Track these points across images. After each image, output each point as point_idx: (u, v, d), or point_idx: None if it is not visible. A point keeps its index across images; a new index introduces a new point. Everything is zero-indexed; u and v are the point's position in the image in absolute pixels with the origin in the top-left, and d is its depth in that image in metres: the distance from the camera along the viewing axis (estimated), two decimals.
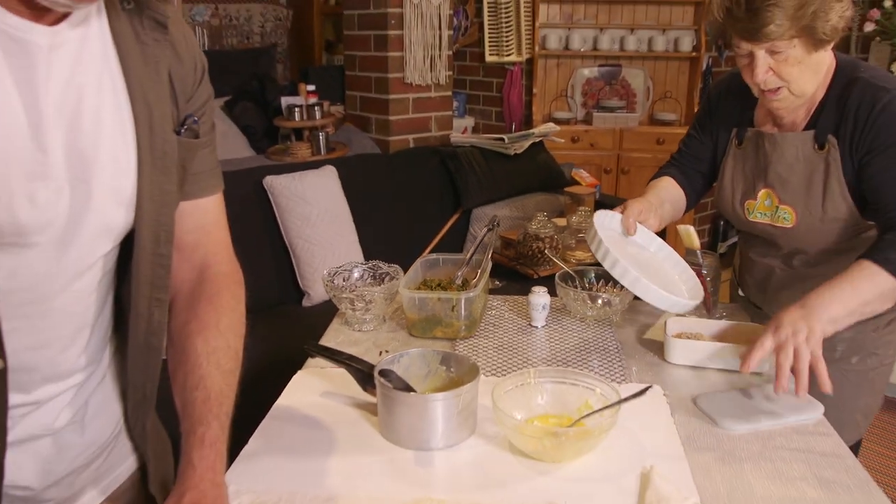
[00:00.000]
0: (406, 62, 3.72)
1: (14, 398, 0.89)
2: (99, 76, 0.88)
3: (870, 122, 1.53)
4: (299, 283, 3.04)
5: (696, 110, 4.81)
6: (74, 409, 1.00)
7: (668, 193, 1.87)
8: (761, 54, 1.53)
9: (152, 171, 0.95)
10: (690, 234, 1.81)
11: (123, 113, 0.91)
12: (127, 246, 0.98)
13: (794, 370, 1.32)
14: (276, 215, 3.03)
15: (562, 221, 3.35)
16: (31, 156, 0.82)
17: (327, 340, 1.68)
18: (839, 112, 1.58)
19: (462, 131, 4.76)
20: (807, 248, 1.76)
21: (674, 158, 1.96)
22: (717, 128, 1.84)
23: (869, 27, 3.35)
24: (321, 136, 3.59)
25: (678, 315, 1.72)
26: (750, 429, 1.31)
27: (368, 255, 3.08)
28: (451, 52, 3.91)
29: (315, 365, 1.53)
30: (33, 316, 0.89)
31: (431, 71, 3.80)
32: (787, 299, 1.85)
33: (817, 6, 1.45)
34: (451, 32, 3.93)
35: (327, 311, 1.87)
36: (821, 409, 1.37)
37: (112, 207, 0.91)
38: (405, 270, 1.80)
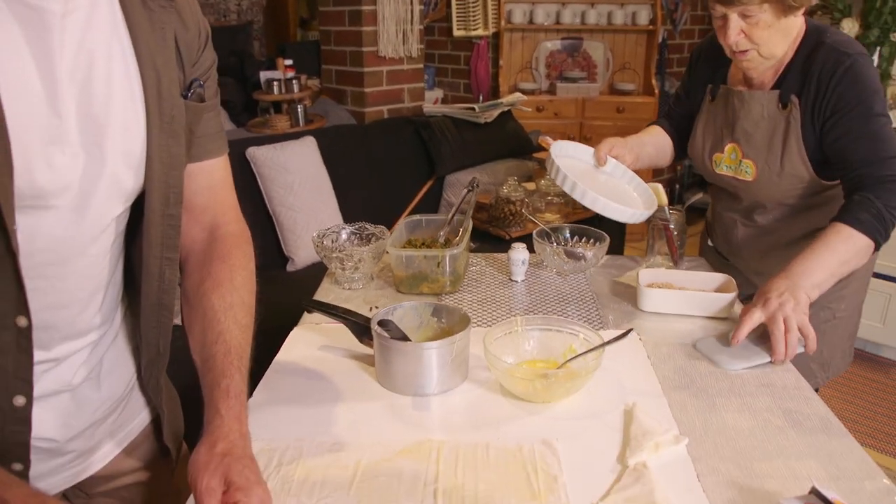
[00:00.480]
0: (379, 36, 3.68)
1: (36, 355, 0.89)
2: (108, 42, 0.87)
3: (831, 86, 1.55)
4: (283, 249, 3.02)
5: (652, 80, 4.84)
6: (91, 366, 1.00)
7: (652, 138, 1.92)
8: (734, 17, 1.55)
9: (160, 135, 0.93)
10: (659, 192, 1.82)
11: (132, 78, 0.90)
12: (137, 207, 0.97)
13: (786, 338, 1.33)
14: (260, 185, 3.00)
15: (531, 185, 3.36)
16: (48, 121, 0.81)
17: (318, 299, 1.67)
18: (803, 74, 1.60)
19: (433, 101, 4.73)
20: (765, 203, 1.78)
21: (666, 111, 2.00)
22: (695, 85, 1.86)
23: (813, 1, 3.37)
24: (299, 109, 3.55)
25: (647, 268, 1.74)
26: (746, 366, 1.34)
27: (349, 221, 3.06)
28: (422, 27, 3.87)
29: (310, 321, 1.52)
30: (52, 277, 0.88)
31: (404, 44, 3.76)
32: (749, 252, 1.88)
33: None
34: (422, 7, 3.89)
35: (312, 275, 1.87)
36: (801, 344, 1.39)
37: (123, 170, 0.90)
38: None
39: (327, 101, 3.85)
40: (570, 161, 1.74)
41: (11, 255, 0.80)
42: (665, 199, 1.82)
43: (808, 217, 1.72)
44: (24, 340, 0.86)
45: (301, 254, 2.97)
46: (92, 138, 0.86)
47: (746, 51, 1.59)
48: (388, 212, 3.27)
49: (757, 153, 1.70)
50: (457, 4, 4.88)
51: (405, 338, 1.25)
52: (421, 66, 3.94)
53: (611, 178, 1.79)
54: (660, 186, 1.82)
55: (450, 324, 1.33)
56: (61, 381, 0.96)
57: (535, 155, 3.64)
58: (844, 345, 1.86)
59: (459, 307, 1.39)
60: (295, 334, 1.48)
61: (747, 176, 1.74)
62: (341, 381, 1.29)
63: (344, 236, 1.80)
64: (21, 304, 0.84)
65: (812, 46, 1.60)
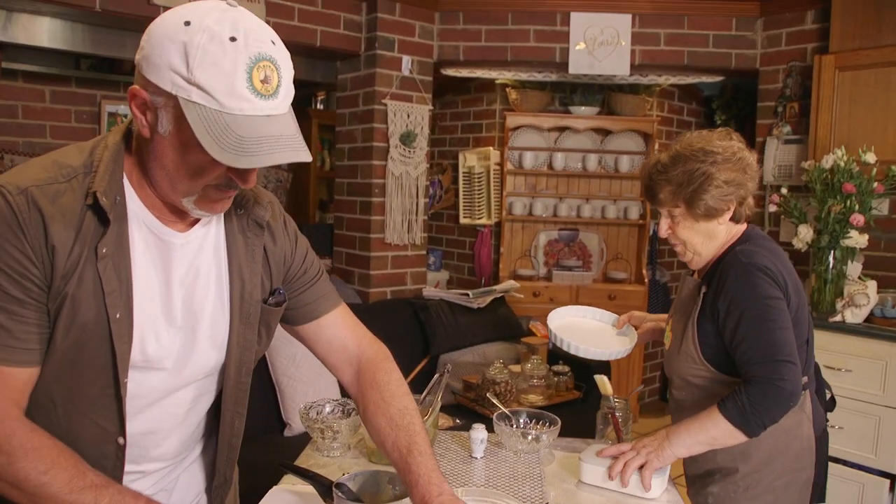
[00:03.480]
0: (386, 225, 4.10)
1: (127, 466, 1.24)
2: (209, 261, 1.26)
3: (725, 286, 1.78)
4: (282, 415, 3.26)
5: (643, 270, 5.18)
6: (167, 482, 1.34)
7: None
8: (664, 214, 1.90)
9: (240, 325, 1.31)
10: (604, 383, 2.09)
11: (223, 285, 1.28)
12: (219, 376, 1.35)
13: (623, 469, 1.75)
14: (266, 354, 3.29)
15: (517, 368, 3.62)
16: (160, 311, 1.20)
17: (300, 463, 1.91)
18: (713, 270, 1.87)
19: (435, 284, 5.08)
20: (672, 374, 2.03)
21: None
22: None
23: (772, 208, 3.77)
24: None
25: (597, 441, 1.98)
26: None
27: (346, 394, 3.31)
28: (426, 217, 4.30)
29: (288, 482, 1.76)
30: (146, 413, 1.24)
31: (408, 233, 4.17)
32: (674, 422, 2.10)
33: (695, 187, 1.78)
34: (427, 200, 4.33)
35: (306, 440, 2.11)
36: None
37: (209, 348, 1.28)
38: None
39: (336, 280, 4.21)
40: (570, 320, 2.28)
41: (119, 398, 1.16)
42: (610, 390, 2.09)
43: (694, 392, 1.94)
44: (120, 454, 1.21)
45: (297, 420, 3.21)
46: (189, 325, 1.24)
47: (677, 244, 1.92)
48: None
49: (674, 328, 2.00)
50: (464, 195, 5.37)
51: (359, 500, 1.48)
52: (424, 252, 4.33)
53: (595, 322, 2.30)
54: (605, 378, 2.09)
55: (402, 491, 1.56)
56: (140, 489, 1.24)
57: (524, 339, 3.92)
58: None
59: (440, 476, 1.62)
60: (272, 493, 1.71)
61: (665, 345, 2.05)
62: None
63: (328, 409, 2.06)
64: (121, 429, 1.19)
65: (731, 249, 1.86)
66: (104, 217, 1.10)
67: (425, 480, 1.26)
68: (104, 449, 1.20)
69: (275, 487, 1.74)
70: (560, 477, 1.90)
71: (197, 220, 1.24)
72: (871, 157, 3.42)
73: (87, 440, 1.18)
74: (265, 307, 1.35)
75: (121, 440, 1.20)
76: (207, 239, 1.27)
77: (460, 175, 5.42)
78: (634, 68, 4.43)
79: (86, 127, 4.39)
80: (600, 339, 2.21)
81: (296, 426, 3.22)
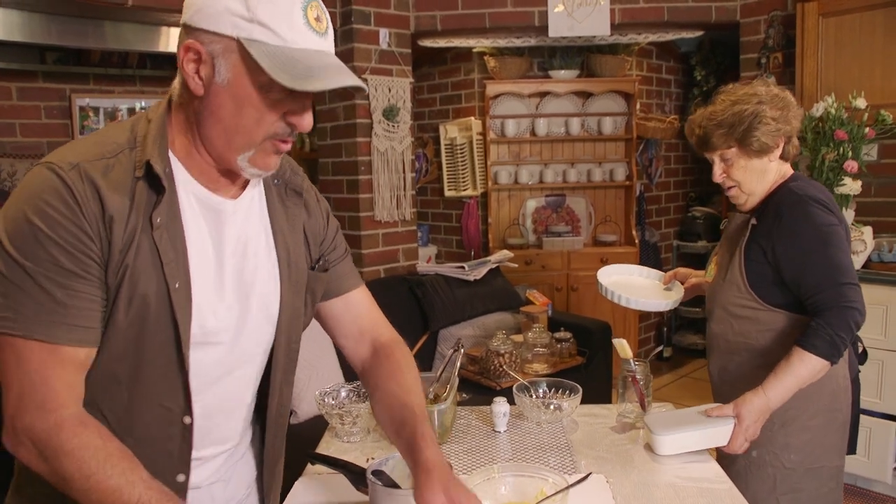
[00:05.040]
0: (375, 202, 4.03)
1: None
2: (257, 228, 1.25)
3: (779, 218, 1.86)
4: None
5: (632, 231, 5.16)
6: (224, 470, 1.30)
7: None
8: (716, 160, 1.96)
9: (288, 294, 1.28)
10: (624, 346, 2.06)
11: (272, 253, 1.26)
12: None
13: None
14: None
15: (519, 338, 3.58)
16: (215, 284, 1.18)
17: (321, 450, 1.86)
18: (765, 204, 1.93)
19: (427, 260, 5.03)
20: (713, 306, 2.07)
21: None
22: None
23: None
24: None
25: (619, 414, 1.95)
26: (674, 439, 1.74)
27: (348, 375, 3.26)
28: (414, 192, 4.23)
29: (313, 472, 1.71)
30: (208, 392, 1.21)
31: (398, 209, 4.10)
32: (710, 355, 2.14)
33: (746, 126, 1.88)
34: (414, 174, 4.26)
35: (313, 426, 2.06)
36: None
37: (263, 320, 1.26)
38: None
39: None
40: (617, 278, 2.39)
41: (184, 372, 1.14)
42: (630, 353, 2.05)
43: (744, 335, 1.98)
44: (187, 434, 1.18)
45: (304, 407, 3.15)
46: (242, 295, 1.22)
47: (731, 187, 1.97)
48: None
49: (720, 261, 2.04)
50: (447, 168, 5.30)
51: (395, 485, 1.44)
52: (414, 227, 4.26)
53: (645, 280, 2.43)
54: (623, 341, 2.06)
55: None
56: (201, 478, 1.25)
57: (523, 308, 3.88)
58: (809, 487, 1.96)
59: (446, 458, 1.58)
60: (299, 484, 1.66)
61: (709, 277, 2.08)
62: None
63: (343, 394, 2.01)
64: (187, 408, 1.17)
65: (783, 185, 1.94)
66: (157, 186, 1.10)
67: (434, 459, 1.23)
68: (170, 430, 1.17)
69: (301, 479, 1.69)
70: (587, 444, 1.87)
71: (245, 186, 1.23)
72: (861, 103, 3.40)
73: (153, 423, 1.15)
74: (312, 273, 1.35)
75: (187, 419, 1.17)
76: (253, 207, 1.25)
77: (442, 147, 5.35)
78: (614, 28, 4.37)
79: (57, 122, 4.25)
80: (648, 293, 2.32)
81: (301, 413, 3.16)
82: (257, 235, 1.25)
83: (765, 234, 1.90)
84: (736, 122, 1.90)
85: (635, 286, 2.35)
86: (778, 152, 1.93)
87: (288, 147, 1.16)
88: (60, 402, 1.04)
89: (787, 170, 1.98)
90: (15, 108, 4.30)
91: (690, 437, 1.75)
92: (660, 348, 2.29)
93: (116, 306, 1.08)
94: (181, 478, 1.19)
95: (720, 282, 2.03)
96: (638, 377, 2.02)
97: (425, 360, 3.70)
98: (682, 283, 2.32)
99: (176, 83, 1.15)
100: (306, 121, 1.13)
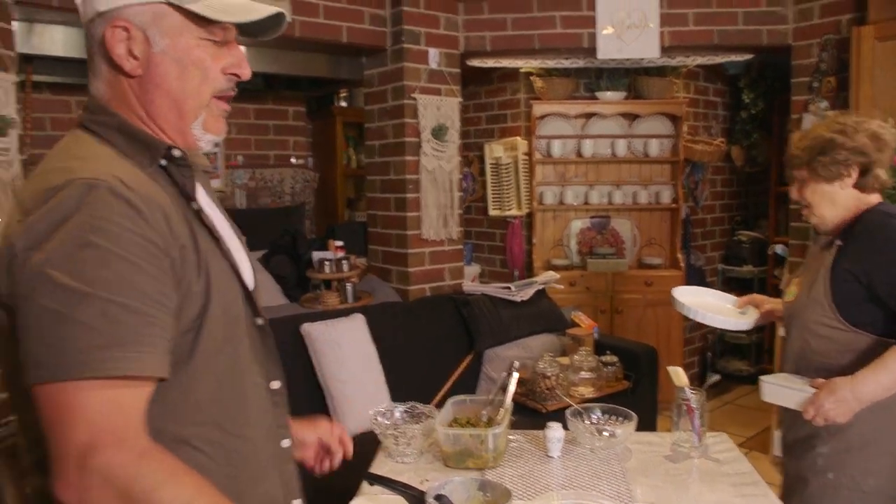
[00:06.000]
0: (422, 221, 4.04)
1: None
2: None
3: (869, 238, 1.87)
4: (332, 419, 3.21)
5: (677, 254, 5.12)
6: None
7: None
8: (795, 178, 2.02)
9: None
10: (679, 374, 2.04)
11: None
12: None
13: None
14: (312, 358, 3.25)
15: (565, 360, 3.56)
16: (237, 245, 1.22)
17: (374, 470, 1.87)
18: (851, 226, 1.93)
19: (471, 279, 5.03)
20: (791, 325, 2.07)
21: None
22: None
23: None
24: (349, 287, 3.85)
25: (673, 444, 1.93)
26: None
27: (394, 392, 3.28)
28: (461, 211, 4.24)
29: (369, 492, 1.72)
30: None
31: (445, 227, 4.11)
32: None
33: (817, 151, 1.94)
34: (462, 193, 4.28)
35: (360, 444, 2.05)
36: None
37: (263, 294, 1.32)
38: (426, 404, 2.03)
39: (374, 279, 4.17)
40: (692, 298, 2.40)
41: (261, 339, 1.18)
42: (685, 381, 2.03)
43: (825, 353, 1.95)
44: (277, 398, 1.20)
45: (349, 424, 3.16)
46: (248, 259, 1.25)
47: (805, 207, 2.01)
48: (430, 384, 3.48)
49: (803, 280, 2.04)
50: (492, 187, 5.31)
51: None
52: (460, 246, 4.27)
53: (717, 301, 2.46)
54: (679, 369, 2.04)
55: (494, 497, 1.52)
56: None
57: (569, 331, 3.86)
58: None
59: (502, 482, 1.58)
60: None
61: (791, 297, 2.07)
62: None
63: (397, 414, 2.02)
64: (270, 373, 1.19)
65: (870, 209, 1.95)
66: (178, 175, 1.11)
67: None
68: (265, 403, 1.18)
69: (357, 498, 1.69)
70: (642, 472, 1.85)
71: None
72: None
73: (256, 405, 1.16)
74: None
75: (274, 384, 1.20)
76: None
77: (487, 167, 5.36)
78: (663, 50, 4.35)
79: None
80: (723, 314, 2.36)
81: (347, 429, 3.17)
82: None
83: (853, 253, 1.89)
84: (811, 145, 1.96)
85: (709, 306, 2.37)
86: (850, 181, 1.93)
87: (228, 107, 1.16)
88: (139, 433, 0.95)
89: (869, 200, 1.97)
90: (73, 121, 4.41)
91: (788, 394, 1.92)
92: (715, 378, 2.28)
93: (210, 299, 1.05)
94: (286, 443, 1.21)
95: (803, 300, 2.02)
96: (693, 406, 2.00)
97: (469, 381, 3.69)
98: (756, 308, 2.34)
99: (97, 87, 1.10)
100: (246, 67, 1.14)
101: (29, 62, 3.59)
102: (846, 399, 1.77)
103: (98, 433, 0.91)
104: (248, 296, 1.15)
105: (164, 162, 1.10)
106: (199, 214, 1.10)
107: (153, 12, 1.05)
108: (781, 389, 1.95)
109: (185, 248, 1.02)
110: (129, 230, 0.94)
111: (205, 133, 1.13)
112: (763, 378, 2.00)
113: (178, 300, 1.00)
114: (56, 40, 3.43)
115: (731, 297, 2.46)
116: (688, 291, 2.48)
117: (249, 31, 1.14)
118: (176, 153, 1.10)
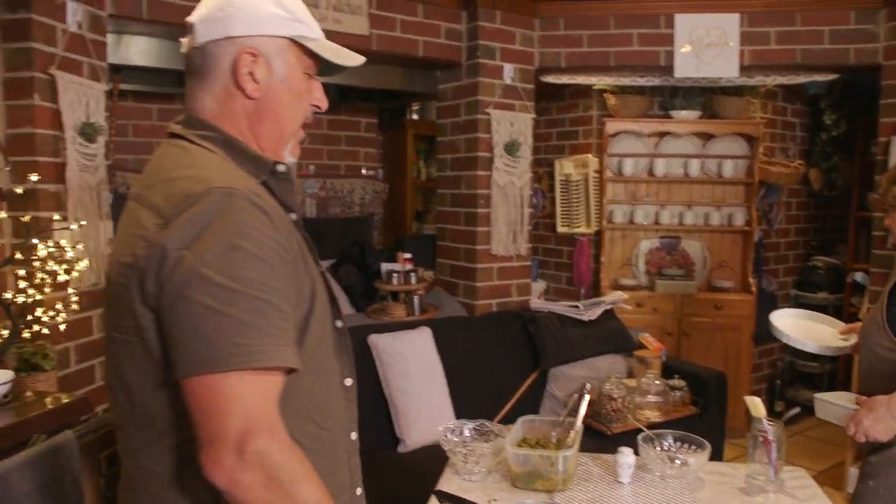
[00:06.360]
0: (492, 236, 4.04)
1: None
2: None
3: None
4: (396, 430, 3.23)
5: (749, 278, 4.99)
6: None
7: None
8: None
9: None
10: (756, 405, 1.99)
11: None
12: None
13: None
14: (378, 369, 3.27)
15: (632, 383, 3.51)
16: None
17: (441, 487, 1.87)
18: None
19: (538, 296, 4.99)
20: (862, 344, 2.08)
21: None
22: None
23: None
24: (416, 299, 3.87)
25: (748, 475, 1.88)
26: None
27: (458, 407, 3.27)
28: (530, 227, 4.23)
29: None
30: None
31: (514, 243, 4.11)
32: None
33: (885, 188, 2.04)
34: (531, 210, 4.26)
35: (423, 457, 2.08)
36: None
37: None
38: (490, 420, 2.03)
39: (441, 293, 4.18)
40: (791, 320, 2.44)
41: (335, 338, 1.24)
42: (763, 412, 1.98)
43: (882, 373, 1.95)
44: (349, 393, 1.27)
45: (413, 437, 3.17)
46: None
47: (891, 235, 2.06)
48: (494, 400, 3.46)
49: (874, 302, 2.07)
50: (561, 204, 5.27)
51: None
52: (528, 263, 4.26)
53: (818, 326, 2.46)
54: (757, 399, 1.99)
55: None
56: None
57: (636, 353, 3.80)
58: None
59: None
60: None
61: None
62: None
63: (466, 432, 2.01)
64: (344, 370, 1.26)
65: None
66: (277, 188, 1.20)
67: None
68: (339, 399, 1.25)
69: None
70: (714, 503, 1.81)
71: None
72: None
73: (333, 400, 1.22)
74: None
75: (347, 381, 1.26)
76: None
77: (556, 183, 5.32)
78: (743, 70, 4.26)
79: None
80: (821, 336, 2.39)
81: (410, 442, 3.18)
82: None
83: None
84: (893, 177, 2.04)
85: (808, 330, 2.40)
86: None
87: (304, 134, 1.29)
88: (280, 424, 1.02)
89: None
90: (154, 128, 4.59)
91: (835, 410, 2.00)
92: (795, 410, 2.20)
93: (314, 301, 1.15)
94: (354, 435, 1.28)
95: (867, 322, 2.06)
96: (771, 438, 1.94)
97: (534, 399, 3.66)
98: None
99: (204, 101, 1.19)
100: (325, 100, 1.28)
101: (117, 72, 3.72)
102: (883, 417, 1.81)
103: (254, 420, 0.98)
104: (333, 299, 1.24)
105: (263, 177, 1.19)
106: (297, 224, 1.19)
107: (279, 45, 1.18)
108: (830, 406, 2.02)
109: (297, 254, 1.11)
110: (266, 235, 1.04)
111: (289, 154, 1.26)
112: (817, 395, 2.08)
113: (295, 300, 1.09)
114: (142, 50, 3.54)
115: (830, 319, 2.47)
116: (787, 314, 2.50)
117: (324, 70, 1.27)
118: (280, 168, 1.21)
